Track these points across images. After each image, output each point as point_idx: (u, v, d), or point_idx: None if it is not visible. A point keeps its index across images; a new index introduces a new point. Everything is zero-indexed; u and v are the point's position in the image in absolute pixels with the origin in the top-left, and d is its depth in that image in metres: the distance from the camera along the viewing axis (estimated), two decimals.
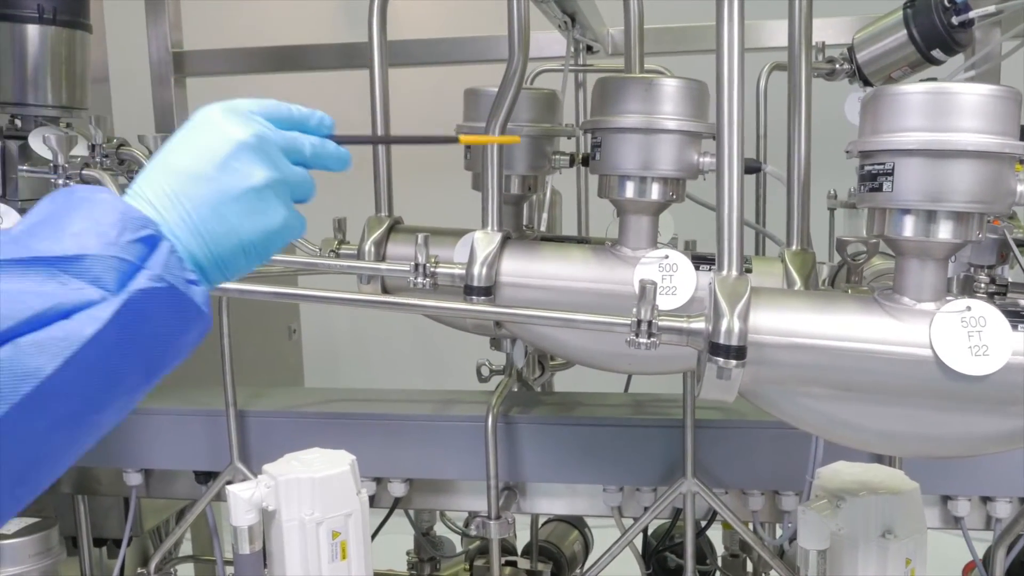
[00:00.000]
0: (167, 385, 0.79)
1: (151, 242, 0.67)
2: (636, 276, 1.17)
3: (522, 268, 1.21)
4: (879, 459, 1.39)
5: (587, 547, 2.16)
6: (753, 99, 1.51)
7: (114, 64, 2.40)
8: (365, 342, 3.87)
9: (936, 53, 1.61)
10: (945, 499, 1.52)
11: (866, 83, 1.72)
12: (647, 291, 0.95)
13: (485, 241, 1.21)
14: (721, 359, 0.92)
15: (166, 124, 2.46)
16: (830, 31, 2.06)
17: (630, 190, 1.18)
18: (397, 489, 1.65)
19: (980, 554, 1.54)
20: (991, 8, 1.53)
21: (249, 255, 0.75)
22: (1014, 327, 0.92)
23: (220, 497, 1.66)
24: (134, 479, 1.74)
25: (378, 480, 1.67)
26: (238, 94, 0.78)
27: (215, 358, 1.63)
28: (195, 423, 1.70)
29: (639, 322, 0.96)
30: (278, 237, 0.76)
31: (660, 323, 0.96)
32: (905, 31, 1.60)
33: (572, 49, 1.92)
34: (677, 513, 1.61)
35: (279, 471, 1.34)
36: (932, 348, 0.92)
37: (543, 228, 1.89)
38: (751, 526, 1.60)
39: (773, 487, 1.55)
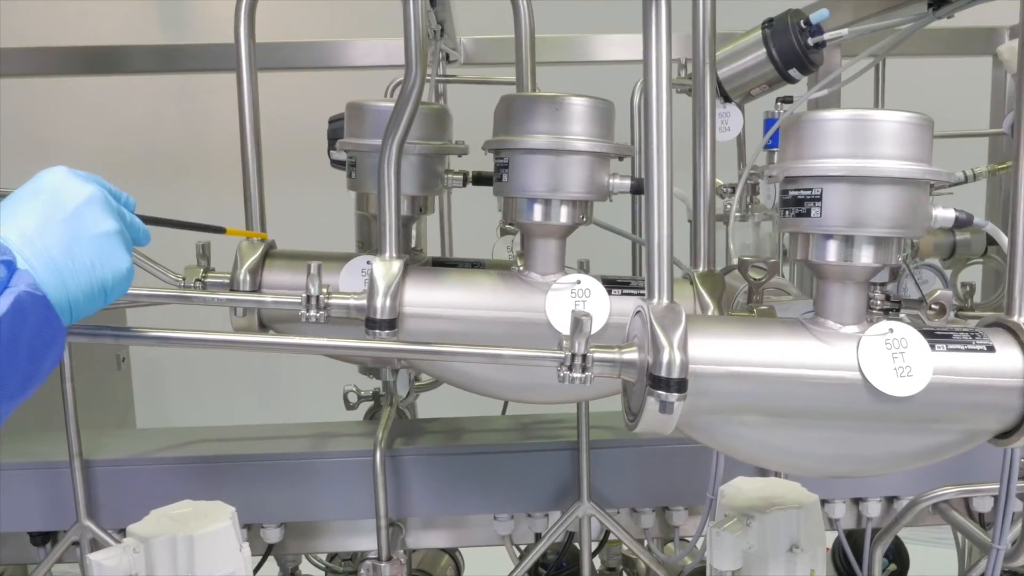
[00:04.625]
0: None
1: (10, 267, 0.70)
2: (548, 303, 1.12)
3: (427, 298, 1.13)
4: (762, 472, 1.41)
5: (459, 571, 2.10)
6: (627, 115, 1.50)
7: None
8: (193, 368, 3.60)
9: (793, 72, 1.67)
10: (822, 503, 1.58)
11: (727, 99, 1.76)
12: (583, 324, 0.91)
13: (385, 269, 1.12)
14: (663, 392, 0.89)
15: None
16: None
17: (538, 213, 1.13)
18: (272, 535, 1.52)
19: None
20: (844, 32, 1.61)
21: (95, 298, 0.77)
22: (932, 347, 0.95)
23: (63, 561, 1.47)
24: None
25: (248, 527, 1.53)
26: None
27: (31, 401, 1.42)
28: (28, 477, 1.48)
29: (573, 355, 0.92)
30: (125, 281, 0.80)
31: (593, 355, 0.92)
32: (764, 50, 1.64)
33: (438, 59, 1.85)
34: (568, 536, 1.58)
35: (148, 531, 1.19)
36: (860, 371, 0.93)
37: (412, 245, 1.81)
38: (644, 543, 1.59)
39: (664, 503, 1.55)
